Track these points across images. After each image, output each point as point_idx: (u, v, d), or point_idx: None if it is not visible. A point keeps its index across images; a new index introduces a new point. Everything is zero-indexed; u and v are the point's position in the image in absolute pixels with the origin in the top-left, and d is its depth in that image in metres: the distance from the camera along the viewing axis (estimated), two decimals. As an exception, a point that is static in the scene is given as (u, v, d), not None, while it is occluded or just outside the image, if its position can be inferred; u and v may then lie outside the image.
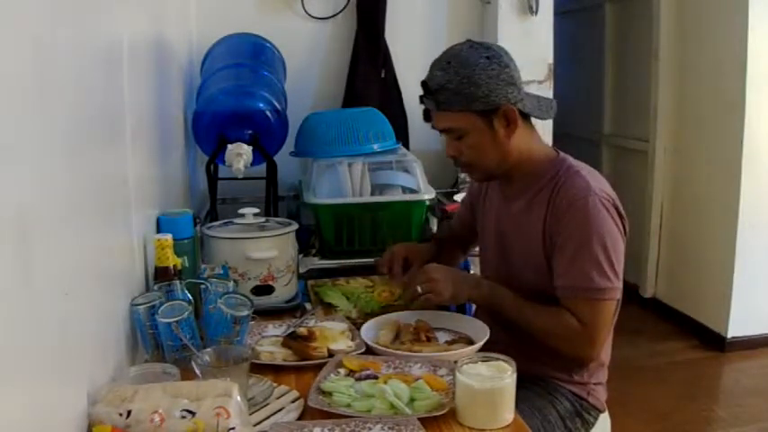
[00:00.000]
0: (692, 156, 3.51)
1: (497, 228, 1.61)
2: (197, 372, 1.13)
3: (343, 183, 2.05)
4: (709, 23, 3.31)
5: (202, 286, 1.41)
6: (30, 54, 0.81)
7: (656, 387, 2.94)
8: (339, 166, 2.06)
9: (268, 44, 2.42)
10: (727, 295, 3.21)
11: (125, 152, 1.33)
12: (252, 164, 1.88)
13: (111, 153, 1.25)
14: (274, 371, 1.32)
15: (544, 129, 2.41)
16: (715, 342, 3.28)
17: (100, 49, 1.19)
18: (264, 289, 1.64)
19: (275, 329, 1.51)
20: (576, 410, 1.52)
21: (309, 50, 2.87)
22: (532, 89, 2.59)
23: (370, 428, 1.08)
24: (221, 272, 1.52)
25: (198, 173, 2.39)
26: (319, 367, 1.30)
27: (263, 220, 1.72)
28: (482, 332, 1.42)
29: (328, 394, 1.20)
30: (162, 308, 1.27)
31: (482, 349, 1.36)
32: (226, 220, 1.75)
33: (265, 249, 1.63)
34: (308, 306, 1.68)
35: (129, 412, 0.94)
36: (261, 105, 1.99)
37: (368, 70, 2.87)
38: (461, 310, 1.84)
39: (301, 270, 1.85)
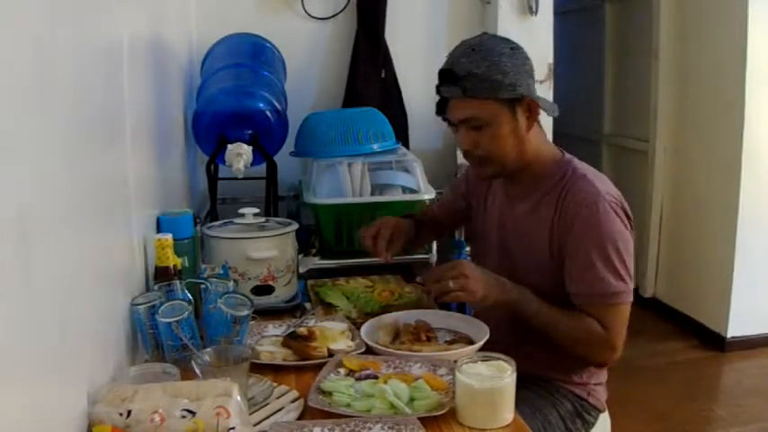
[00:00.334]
0: (692, 155, 3.50)
1: (500, 227, 1.60)
2: (197, 372, 1.13)
3: (343, 183, 2.05)
4: (709, 23, 3.31)
5: (202, 286, 1.41)
6: (30, 54, 0.81)
7: (656, 387, 2.94)
8: (339, 166, 2.06)
9: (268, 44, 2.42)
10: (727, 295, 3.20)
11: (125, 152, 1.33)
12: (252, 164, 1.88)
13: (111, 153, 1.25)
14: (274, 371, 1.32)
15: (544, 129, 2.40)
16: (715, 342, 3.28)
17: (100, 49, 1.19)
18: (264, 289, 1.64)
19: (275, 329, 1.51)
20: (576, 411, 1.52)
21: (309, 50, 2.86)
22: (532, 89, 2.58)
23: (369, 428, 1.08)
24: (221, 272, 1.52)
25: (198, 173, 2.39)
26: (319, 367, 1.30)
27: (263, 220, 1.72)
28: (482, 332, 1.42)
29: (328, 394, 1.20)
30: (162, 308, 1.27)
31: (482, 349, 1.36)
32: (226, 220, 1.75)
33: (265, 249, 1.63)
34: (307, 306, 1.68)
35: (129, 412, 0.94)
36: (261, 105, 1.99)
37: (368, 70, 2.86)
38: (461, 310, 1.84)
39: (301, 270, 1.85)
